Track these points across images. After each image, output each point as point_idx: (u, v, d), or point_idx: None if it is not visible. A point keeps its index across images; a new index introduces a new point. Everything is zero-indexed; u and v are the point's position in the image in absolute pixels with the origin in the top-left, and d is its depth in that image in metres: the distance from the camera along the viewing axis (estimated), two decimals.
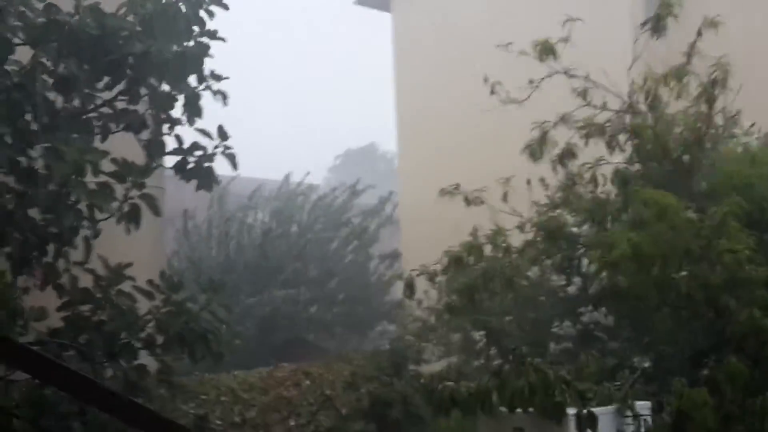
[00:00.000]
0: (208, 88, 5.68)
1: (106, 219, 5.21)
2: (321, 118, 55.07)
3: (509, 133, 8.47)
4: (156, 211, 5.26)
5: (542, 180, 8.16)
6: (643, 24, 7.73)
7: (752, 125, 7.95)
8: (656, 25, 7.61)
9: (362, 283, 16.95)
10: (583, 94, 7.74)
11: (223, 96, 5.75)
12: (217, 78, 5.70)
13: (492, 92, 8.06)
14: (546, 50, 7.71)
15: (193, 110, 5.74)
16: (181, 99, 5.71)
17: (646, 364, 6.98)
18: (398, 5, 17.61)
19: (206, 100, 5.78)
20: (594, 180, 7.73)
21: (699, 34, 7.43)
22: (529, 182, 7.95)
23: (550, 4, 14.49)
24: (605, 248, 6.67)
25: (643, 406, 6.02)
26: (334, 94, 58.25)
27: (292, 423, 8.99)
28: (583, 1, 13.65)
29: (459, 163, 14.19)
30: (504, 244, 7.76)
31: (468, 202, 8.11)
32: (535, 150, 7.77)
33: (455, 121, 15.40)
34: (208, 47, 5.44)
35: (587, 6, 13.45)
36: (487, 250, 7.81)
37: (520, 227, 7.97)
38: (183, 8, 5.30)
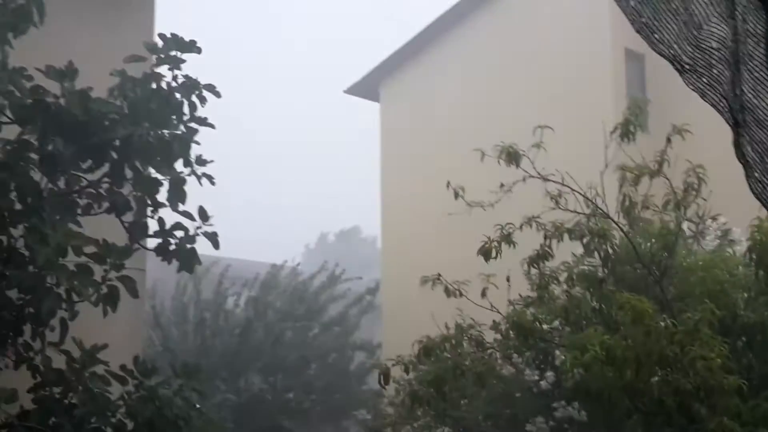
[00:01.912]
0: (193, 173, 5.75)
1: (83, 301, 5.18)
2: (304, 200, 55.48)
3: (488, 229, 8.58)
4: (134, 293, 5.24)
5: (525, 275, 8.20)
6: (612, 131, 7.90)
7: (725, 231, 8.07)
8: (625, 131, 7.77)
9: (340, 370, 16.85)
10: (556, 197, 7.85)
11: (210, 179, 5.81)
12: (203, 162, 5.77)
13: (456, 197, 8.18)
14: (510, 156, 7.87)
15: (178, 195, 5.77)
16: (165, 183, 5.77)
17: None
18: (387, 96, 17.99)
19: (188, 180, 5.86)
20: (570, 280, 7.79)
21: (668, 141, 7.60)
22: (508, 279, 8.00)
23: (528, 105, 15.00)
24: (579, 349, 6.69)
25: None
26: (320, 178, 58.77)
27: None
28: (560, 105, 14.16)
29: (441, 252, 14.32)
30: (478, 339, 7.77)
31: (448, 293, 8.14)
32: (489, 252, 7.81)
33: (437, 210, 15.54)
34: (196, 132, 5.50)
35: (564, 109, 13.90)
36: (463, 343, 7.81)
37: (495, 325, 7.99)
38: (175, 94, 5.38)
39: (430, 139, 16.66)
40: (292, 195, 57.55)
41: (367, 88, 18.10)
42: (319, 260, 21.58)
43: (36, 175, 5.40)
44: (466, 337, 7.78)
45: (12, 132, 5.33)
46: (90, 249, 5.19)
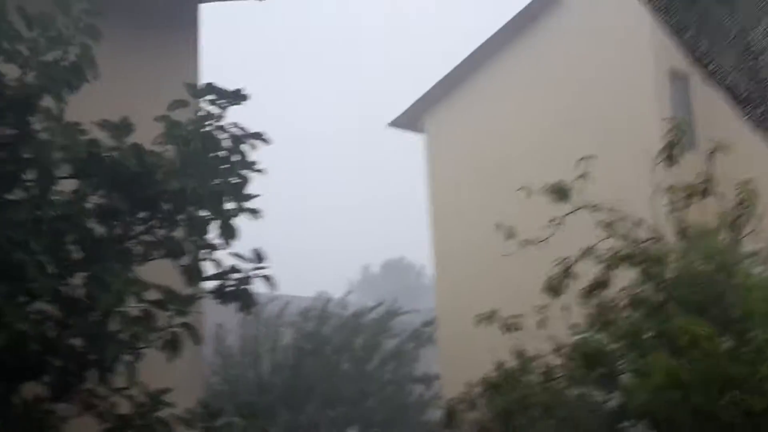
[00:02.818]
0: (241, 210, 5.83)
1: (146, 347, 5.27)
2: (350, 233, 55.61)
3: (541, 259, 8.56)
4: (197, 339, 5.33)
5: (581, 304, 8.14)
6: (658, 156, 7.83)
7: None
8: (669, 154, 7.68)
9: (399, 403, 16.76)
10: (608, 226, 7.79)
11: (255, 213, 5.88)
12: (248, 198, 5.85)
13: (508, 238, 8.16)
14: (560, 193, 7.83)
15: (228, 233, 5.86)
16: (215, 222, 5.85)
17: None
18: (431, 128, 18.02)
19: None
20: (631, 306, 7.71)
21: (710, 157, 7.50)
22: (565, 309, 7.94)
23: (572, 130, 14.95)
24: (644, 375, 6.62)
25: None
26: (364, 211, 58.93)
27: None
28: (605, 130, 14.08)
29: (495, 282, 14.27)
30: (544, 369, 7.73)
31: (505, 329, 8.12)
32: (557, 287, 7.79)
33: (489, 240, 15.50)
34: (247, 179, 5.59)
35: (610, 134, 13.82)
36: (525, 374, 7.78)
37: (556, 351, 7.93)
38: (226, 144, 5.48)
39: (478, 168, 16.64)
40: (333, 228, 57.78)
41: (410, 120, 18.16)
42: (365, 292, 21.55)
43: (92, 225, 5.54)
44: (531, 368, 7.75)
45: (69, 185, 5.46)
46: (152, 295, 5.29)
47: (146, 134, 5.51)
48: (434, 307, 17.88)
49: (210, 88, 5.56)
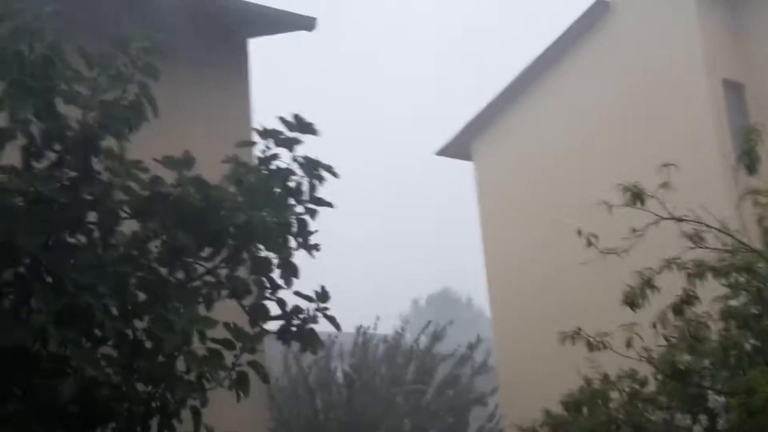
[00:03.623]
0: (300, 247, 5.71)
1: (214, 388, 5.14)
2: (393, 265, 55.42)
3: (606, 278, 8.34)
4: (265, 378, 5.19)
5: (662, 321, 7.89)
6: (736, 163, 7.61)
7: None
8: (748, 161, 7.46)
9: None
10: (693, 236, 7.55)
11: (314, 249, 5.75)
12: (308, 234, 5.72)
13: (589, 245, 7.92)
14: (636, 196, 7.60)
15: (290, 271, 5.74)
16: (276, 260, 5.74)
17: None
18: (480, 155, 17.88)
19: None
20: (724, 319, 7.44)
21: None
22: (654, 325, 7.69)
23: (627, 146, 14.75)
24: (744, 393, 6.34)
25: None
26: (408, 241, 58.77)
27: None
28: (661, 143, 13.84)
29: (551, 307, 14.04)
30: (631, 390, 7.48)
31: (591, 347, 7.88)
32: (636, 298, 7.55)
33: (545, 264, 15.31)
34: (315, 213, 5.48)
35: (666, 147, 13.56)
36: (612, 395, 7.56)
37: (632, 374, 7.69)
38: (292, 176, 5.38)
39: (531, 192, 16.47)
40: (382, 261, 57.65)
41: (458, 147, 18.05)
42: (414, 325, 21.35)
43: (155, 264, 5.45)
44: (617, 389, 7.52)
45: (131, 225, 5.38)
46: (218, 334, 5.17)
47: (206, 169, 5.44)
48: (486, 336, 17.69)
49: (283, 120, 5.46)
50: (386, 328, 18.55)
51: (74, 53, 5.11)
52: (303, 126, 5.41)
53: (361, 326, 17.51)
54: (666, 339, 7.84)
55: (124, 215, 5.33)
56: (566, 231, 8.30)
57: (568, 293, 14.37)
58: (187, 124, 8.09)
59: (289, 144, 5.41)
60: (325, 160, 5.50)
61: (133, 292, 5.30)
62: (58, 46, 4.92)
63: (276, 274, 5.72)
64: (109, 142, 5.20)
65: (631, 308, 7.55)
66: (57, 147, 5.10)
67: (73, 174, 5.14)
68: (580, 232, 7.84)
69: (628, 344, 7.65)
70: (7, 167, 4.93)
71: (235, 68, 9.49)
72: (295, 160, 5.44)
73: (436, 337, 17.47)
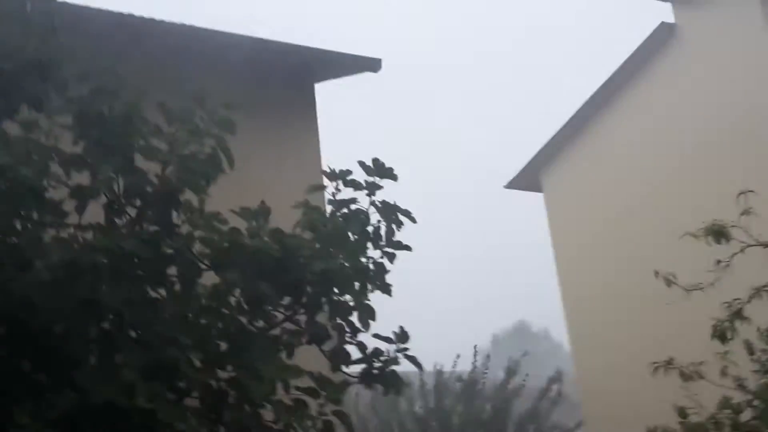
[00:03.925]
0: (378, 288, 5.68)
1: None
2: (470, 300, 55.09)
3: (693, 308, 8.14)
4: (350, 428, 5.15)
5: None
6: None
7: None
8: None
9: None
10: None
11: (388, 289, 5.72)
12: (386, 274, 5.69)
13: (669, 285, 7.74)
14: (719, 234, 7.40)
15: (368, 314, 5.71)
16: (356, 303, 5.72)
17: None
18: (550, 185, 17.71)
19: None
20: None
21: None
22: (752, 352, 7.46)
23: (705, 172, 14.44)
24: None
25: None
26: (480, 276, 58.38)
27: None
28: (740, 168, 13.51)
29: (634, 338, 13.78)
30: (728, 422, 7.26)
31: (685, 377, 7.68)
32: (725, 331, 7.34)
33: (624, 294, 15.03)
34: (394, 257, 5.46)
35: (749, 172, 13.24)
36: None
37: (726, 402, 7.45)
38: (370, 221, 5.38)
39: (606, 221, 16.22)
40: (455, 296, 57.30)
41: (527, 179, 17.91)
42: (492, 359, 21.11)
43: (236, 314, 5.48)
44: (715, 420, 7.28)
45: (211, 277, 5.43)
46: (300, 382, 5.17)
47: (278, 212, 5.48)
48: (564, 369, 17.42)
49: (361, 164, 5.48)
50: (467, 363, 18.41)
51: (152, 108, 5.23)
52: (381, 170, 5.41)
53: (436, 364, 17.38)
54: (760, 365, 7.62)
55: (203, 267, 5.39)
56: (646, 261, 8.12)
57: (652, 325, 14.07)
58: (257, 170, 8.19)
59: (369, 189, 5.41)
60: (393, 197, 5.51)
61: (215, 342, 5.35)
62: (137, 104, 5.03)
63: (354, 318, 5.72)
64: (187, 195, 5.29)
65: (721, 341, 7.35)
66: (137, 202, 5.20)
67: (153, 228, 5.23)
68: (657, 274, 7.67)
69: (723, 373, 7.46)
70: (91, 225, 5.04)
71: (303, 113, 9.61)
72: (372, 204, 5.44)
73: (511, 371, 17.23)
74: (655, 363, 7.73)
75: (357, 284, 5.46)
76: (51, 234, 5.04)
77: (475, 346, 17.83)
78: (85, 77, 5.03)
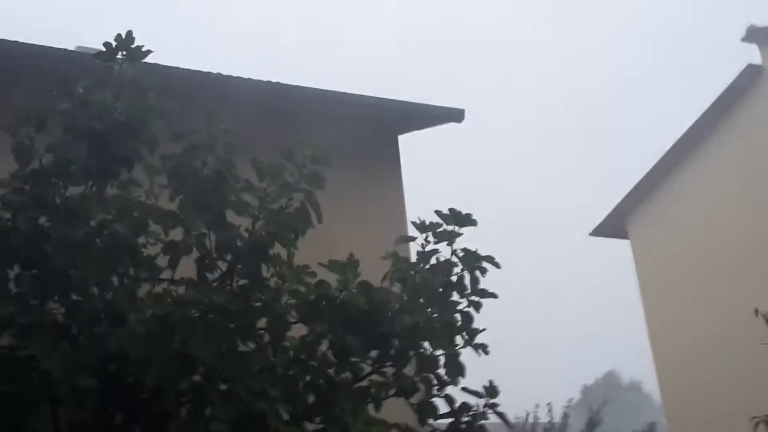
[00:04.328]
0: (467, 344, 5.63)
1: None
2: (559, 350, 54.14)
3: None
4: None
5: None
6: None
7: None
8: None
9: None
10: None
11: (484, 348, 5.66)
12: (475, 333, 5.64)
13: None
14: None
15: (457, 369, 5.66)
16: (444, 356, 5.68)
17: None
18: (636, 233, 17.40)
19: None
20: None
21: None
22: None
23: None
24: None
25: None
26: (571, 325, 57.37)
27: None
28: None
29: (730, 388, 13.34)
30: None
31: None
32: None
33: (723, 348, 14.57)
34: (480, 306, 5.42)
35: None
36: None
37: None
38: (455, 271, 5.37)
39: (696, 270, 15.80)
40: (543, 346, 56.34)
41: (612, 226, 17.64)
42: (581, 409, 20.68)
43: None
44: None
45: (299, 329, 5.47)
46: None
47: (365, 263, 5.50)
48: (656, 421, 16.94)
49: (440, 213, 5.48)
50: (553, 413, 18.05)
51: (241, 164, 5.35)
52: (459, 218, 5.41)
53: (521, 416, 17.09)
54: None
55: (292, 320, 5.44)
56: (741, 311, 7.89)
57: (750, 377, 13.58)
58: (344, 222, 8.25)
59: (448, 238, 5.41)
60: (477, 246, 5.48)
61: (303, 394, 5.37)
62: (229, 161, 5.16)
63: (442, 371, 5.68)
64: (276, 248, 5.37)
65: None
66: (228, 257, 5.29)
67: (243, 282, 5.31)
68: (756, 312, 7.45)
69: None
70: (184, 280, 5.14)
71: (387, 164, 9.65)
72: (454, 253, 5.42)
73: (593, 423, 16.82)
74: (755, 418, 7.48)
75: (445, 337, 5.43)
76: (146, 289, 5.17)
77: (547, 403, 17.55)
78: (178, 136, 5.18)
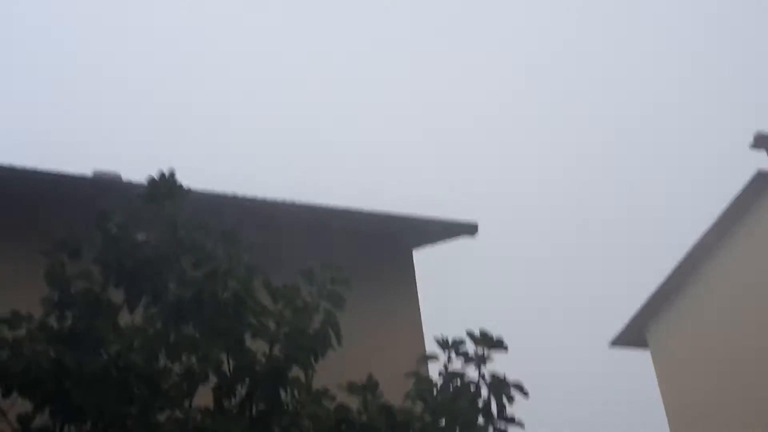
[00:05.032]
0: None
1: None
2: None
3: None
4: None
5: None
6: None
7: None
8: None
9: None
10: None
11: None
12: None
13: None
14: None
15: None
16: None
17: None
18: (655, 342, 17.16)
19: None
20: None
21: None
22: None
23: None
24: None
25: None
26: None
27: None
28: None
29: None
30: None
31: None
32: None
33: None
34: None
35: None
36: None
37: None
38: (482, 394, 5.26)
39: (720, 375, 15.46)
40: None
41: (631, 337, 17.37)
42: None
43: None
44: None
45: None
46: None
47: (383, 382, 5.38)
48: None
49: (470, 334, 5.40)
50: None
51: (260, 285, 5.30)
52: (490, 342, 5.30)
53: None
54: None
55: None
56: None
57: None
58: (359, 340, 8.14)
59: (478, 361, 5.31)
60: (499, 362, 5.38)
61: None
62: (249, 284, 5.11)
63: None
64: (295, 371, 5.27)
65: None
66: (246, 381, 5.20)
67: (261, 407, 5.20)
68: None
69: None
70: (200, 409, 5.04)
71: (402, 280, 9.60)
72: (482, 377, 5.31)
73: None
74: None
75: None
76: (166, 414, 5.04)
77: None
78: (199, 263, 5.13)
